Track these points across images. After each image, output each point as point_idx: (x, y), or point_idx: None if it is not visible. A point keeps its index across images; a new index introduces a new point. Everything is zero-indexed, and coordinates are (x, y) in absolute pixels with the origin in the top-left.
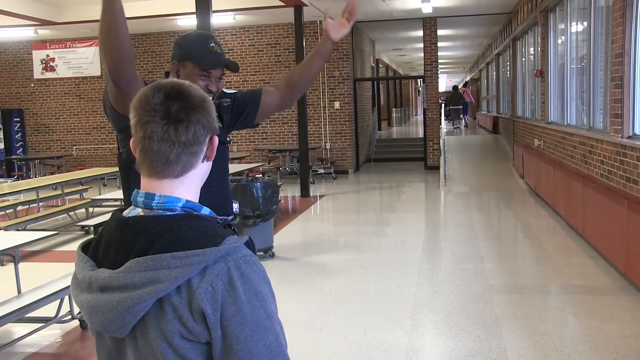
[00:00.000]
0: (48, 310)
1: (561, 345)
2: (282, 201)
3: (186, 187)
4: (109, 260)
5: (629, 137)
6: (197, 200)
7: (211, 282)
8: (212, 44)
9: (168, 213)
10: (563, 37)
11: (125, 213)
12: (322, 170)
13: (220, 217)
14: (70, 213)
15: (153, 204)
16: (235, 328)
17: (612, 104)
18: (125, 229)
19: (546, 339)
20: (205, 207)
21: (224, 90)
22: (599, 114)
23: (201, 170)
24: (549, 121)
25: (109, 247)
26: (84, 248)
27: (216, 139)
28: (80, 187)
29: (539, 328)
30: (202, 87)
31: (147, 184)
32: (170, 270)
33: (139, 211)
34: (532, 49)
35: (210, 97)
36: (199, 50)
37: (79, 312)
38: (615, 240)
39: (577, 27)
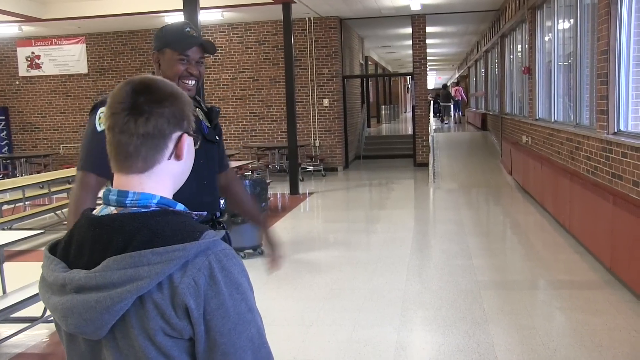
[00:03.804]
0: (34, 310)
1: (548, 339)
2: (271, 199)
3: (154, 184)
4: (82, 261)
5: (615, 134)
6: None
7: (193, 277)
8: (188, 29)
9: (143, 210)
10: (550, 35)
11: (96, 212)
12: (311, 168)
13: (195, 213)
14: (57, 212)
15: (127, 202)
16: (218, 322)
17: (597, 101)
18: (99, 228)
19: (533, 333)
20: (179, 204)
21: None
22: (585, 111)
23: (171, 168)
24: (537, 118)
25: (82, 247)
26: (52, 249)
27: (185, 138)
28: (68, 186)
29: (526, 323)
30: (182, 71)
31: (117, 181)
32: (151, 267)
33: (111, 209)
34: (520, 46)
35: (193, 82)
36: (174, 35)
37: None
38: (601, 235)
39: (564, 24)
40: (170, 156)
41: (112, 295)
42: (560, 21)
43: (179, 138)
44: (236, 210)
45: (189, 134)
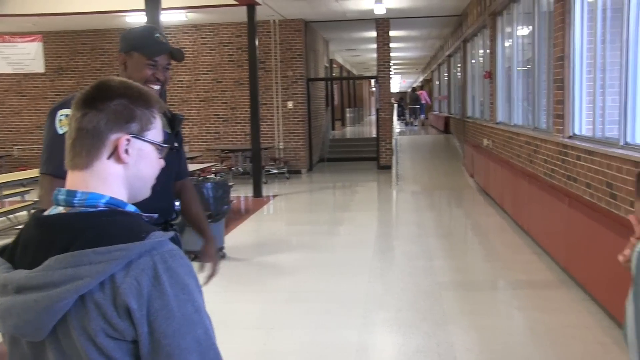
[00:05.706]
0: None
1: (506, 338)
2: (234, 201)
3: (97, 183)
4: (26, 261)
5: (570, 137)
6: None
7: (136, 277)
8: (157, 35)
9: (90, 210)
10: (510, 40)
11: (46, 213)
12: (275, 170)
13: (146, 215)
14: (9, 216)
15: (75, 201)
16: (162, 323)
17: (554, 105)
18: (44, 227)
19: (492, 332)
20: (130, 205)
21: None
22: (543, 115)
23: (114, 170)
24: (497, 121)
25: (27, 247)
26: (1, 252)
27: (123, 141)
28: (22, 189)
29: (485, 322)
30: (149, 76)
31: (67, 178)
32: (92, 266)
33: (60, 209)
34: (481, 51)
35: (158, 86)
36: (144, 40)
37: None
38: (557, 236)
39: (522, 30)
40: (110, 157)
41: (51, 295)
42: (519, 28)
43: (118, 140)
44: (185, 217)
45: (143, 140)
